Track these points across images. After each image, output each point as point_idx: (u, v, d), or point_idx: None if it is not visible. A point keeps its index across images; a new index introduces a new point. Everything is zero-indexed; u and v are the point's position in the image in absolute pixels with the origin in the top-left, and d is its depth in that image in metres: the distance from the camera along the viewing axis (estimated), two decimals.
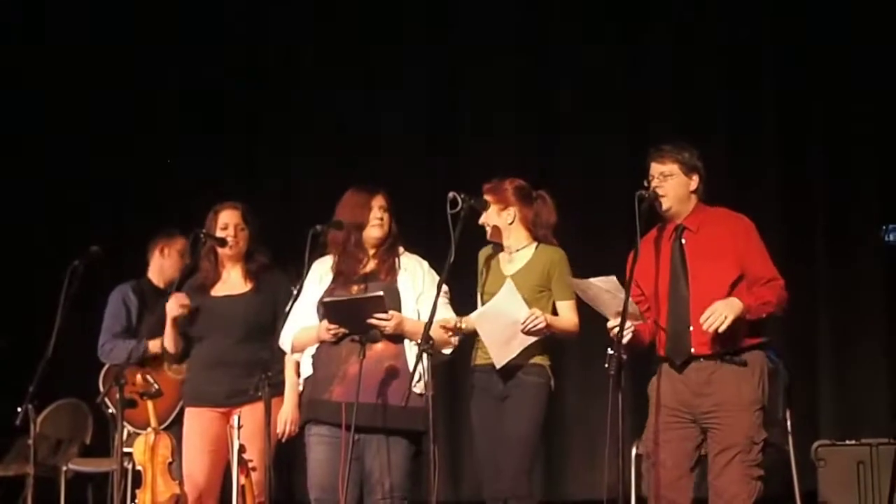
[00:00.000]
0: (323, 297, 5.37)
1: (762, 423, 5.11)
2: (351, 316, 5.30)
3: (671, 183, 5.20)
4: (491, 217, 5.66)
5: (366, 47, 8.53)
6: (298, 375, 5.60)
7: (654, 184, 5.20)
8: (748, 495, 5.04)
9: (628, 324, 4.98)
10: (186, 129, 8.77)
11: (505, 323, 5.44)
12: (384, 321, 5.25)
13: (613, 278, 5.05)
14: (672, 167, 5.21)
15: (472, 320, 5.46)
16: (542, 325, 5.44)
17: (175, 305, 5.88)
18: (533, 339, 5.48)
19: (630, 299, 4.99)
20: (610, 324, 5.10)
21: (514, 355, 5.49)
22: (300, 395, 5.58)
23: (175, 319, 5.91)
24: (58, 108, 8.66)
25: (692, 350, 5.10)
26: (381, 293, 5.29)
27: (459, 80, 8.40)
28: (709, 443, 5.11)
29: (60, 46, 8.69)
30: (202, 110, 8.74)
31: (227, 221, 5.95)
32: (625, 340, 4.97)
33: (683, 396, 5.12)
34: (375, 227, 5.51)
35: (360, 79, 8.52)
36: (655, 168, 5.23)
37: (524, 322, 5.41)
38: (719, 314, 4.93)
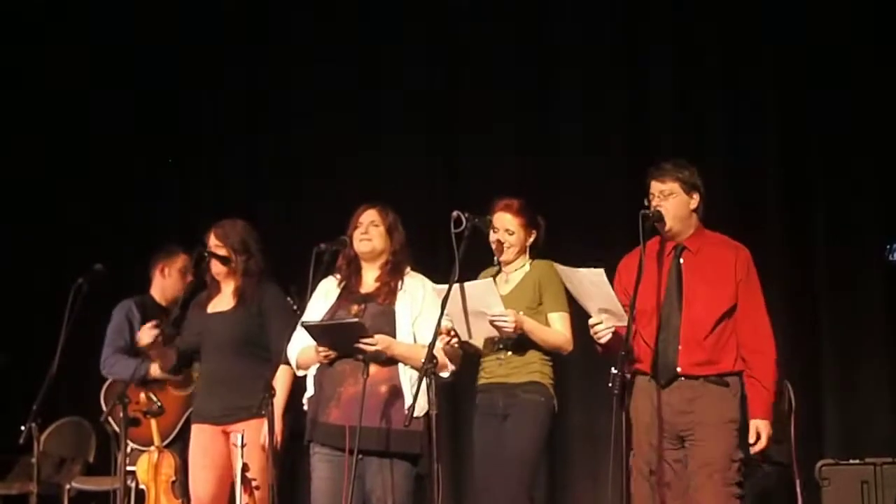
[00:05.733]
0: (304, 319, 5.38)
1: (739, 442, 5.13)
2: (336, 339, 5.32)
3: (672, 202, 5.21)
4: (516, 237, 5.69)
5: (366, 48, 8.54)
6: (287, 390, 5.70)
7: (654, 202, 5.21)
8: None
9: (611, 323, 5.02)
10: (185, 131, 8.79)
11: (474, 308, 5.41)
12: (370, 346, 5.25)
13: (601, 270, 5.06)
14: (672, 185, 5.22)
15: (440, 289, 5.37)
16: (510, 328, 5.44)
17: (144, 336, 6.01)
18: (497, 333, 5.50)
19: (615, 297, 5.03)
20: (592, 321, 5.12)
21: (475, 339, 5.54)
22: (304, 413, 5.58)
23: (151, 346, 6.03)
24: (56, 114, 8.67)
25: (678, 370, 5.13)
26: (356, 319, 5.31)
27: (460, 89, 8.40)
28: (689, 460, 5.12)
29: (61, 48, 8.69)
30: (202, 113, 8.78)
31: (211, 244, 6.00)
32: (604, 340, 5.03)
33: (665, 415, 5.15)
34: (359, 241, 5.54)
35: (357, 81, 8.53)
36: (656, 186, 5.24)
37: (494, 316, 5.41)
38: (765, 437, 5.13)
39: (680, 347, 5.12)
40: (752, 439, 5.14)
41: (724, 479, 5.05)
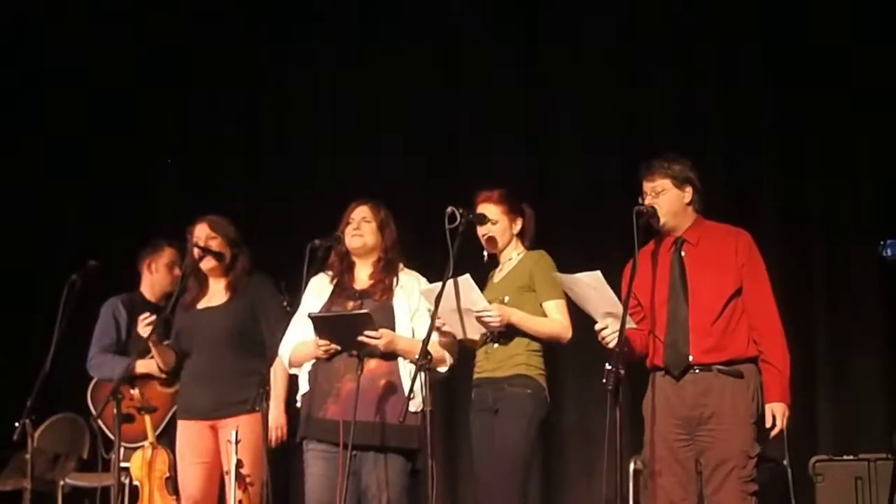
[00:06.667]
0: (310, 312, 5.37)
1: (756, 436, 5.09)
2: (340, 332, 5.29)
3: (664, 198, 5.20)
4: (500, 226, 5.67)
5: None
6: (285, 382, 5.73)
7: (646, 201, 5.20)
8: None
9: (617, 326, 4.96)
10: (185, 131, 8.79)
11: (462, 305, 5.39)
12: (374, 339, 5.24)
13: (598, 273, 5.04)
14: (663, 182, 5.20)
15: (427, 290, 5.40)
16: (496, 321, 5.41)
17: (142, 326, 5.90)
18: (485, 329, 5.48)
19: (616, 299, 5.00)
20: (598, 326, 5.10)
21: (470, 336, 5.50)
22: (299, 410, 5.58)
23: (151, 337, 5.92)
24: (56, 114, 8.66)
25: (690, 358, 5.09)
26: (366, 311, 5.29)
27: (460, 89, 8.39)
28: (704, 457, 5.08)
29: (61, 48, 8.69)
30: (202, 113, 8.78)
31: (198, 236, 5.99)
32: (612, 345, 4.97)
33: (679, 411, 5.11)
34: (351, 237, 5.54)
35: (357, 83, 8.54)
36: (646, 185, 5.24)
37: (478, 311, 5.39)
38: (780, 420, 5.05)
39: (690, 336, 5.09)
40: (768, 423, 5.08)
41: (740, 476, 5.02)
